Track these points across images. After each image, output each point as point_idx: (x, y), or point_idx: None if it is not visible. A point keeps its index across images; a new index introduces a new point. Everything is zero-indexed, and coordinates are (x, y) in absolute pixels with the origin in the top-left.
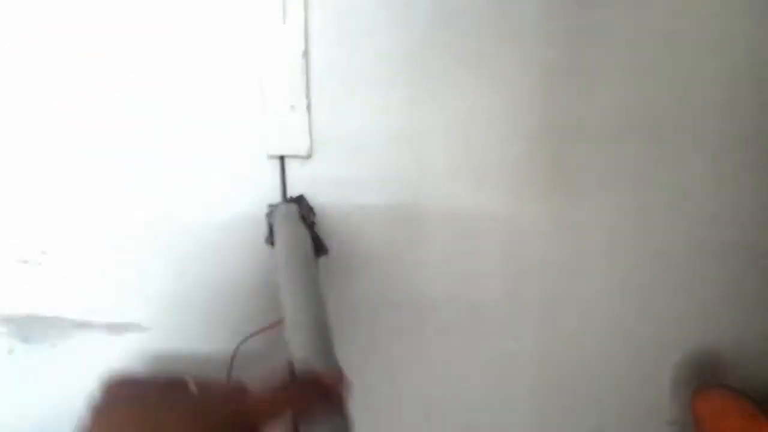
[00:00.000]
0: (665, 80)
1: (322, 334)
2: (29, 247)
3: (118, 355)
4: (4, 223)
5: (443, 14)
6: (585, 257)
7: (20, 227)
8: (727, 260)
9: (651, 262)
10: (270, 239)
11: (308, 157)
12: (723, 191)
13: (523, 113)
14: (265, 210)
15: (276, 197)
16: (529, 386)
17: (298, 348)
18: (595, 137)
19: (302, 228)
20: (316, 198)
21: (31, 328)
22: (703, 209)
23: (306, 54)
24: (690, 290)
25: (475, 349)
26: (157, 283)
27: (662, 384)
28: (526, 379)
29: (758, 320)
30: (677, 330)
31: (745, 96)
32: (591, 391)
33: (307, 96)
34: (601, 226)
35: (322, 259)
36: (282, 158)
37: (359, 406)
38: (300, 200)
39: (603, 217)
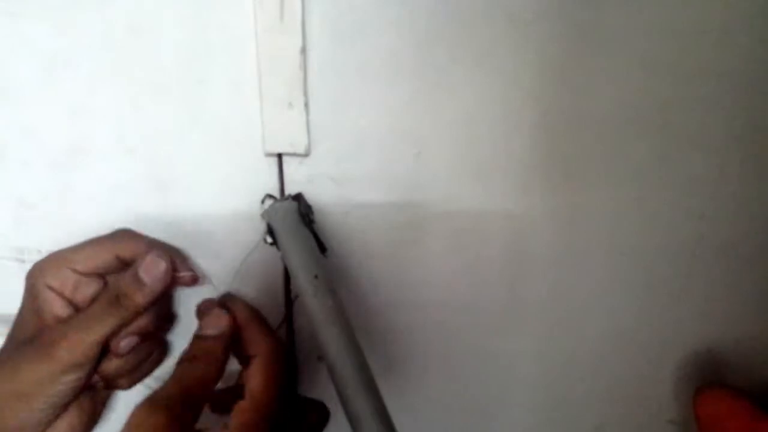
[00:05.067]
0: (668, 76)
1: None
2: (25, 245)
3: None
4: (0, 222)
5: (443, 10)
6: (586, 255)
7: (16, 226)
8: (729, 258)
9: (653, 260)
10: (268, 239)
11: (306, 155)
12: (725, 189)
13: (525, 109)
14: (263, 207)
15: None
16: (529, 386)
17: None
18: (598, 133)
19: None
20: (315, 196)
21: None
22: (705, 207)
23: (304, 51)
24: (692, 288)
25: (475, 348)
26: None
27: (663, 383)
28: (526, 378)
29: (761, 319)
30: (678, 328)
31: (748, 93)
32: (591, 391)
33: (305, 93)
34: (603, 223)
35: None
36: (280, 156)
37: None
38: (299, 198)
39: (605, 215)
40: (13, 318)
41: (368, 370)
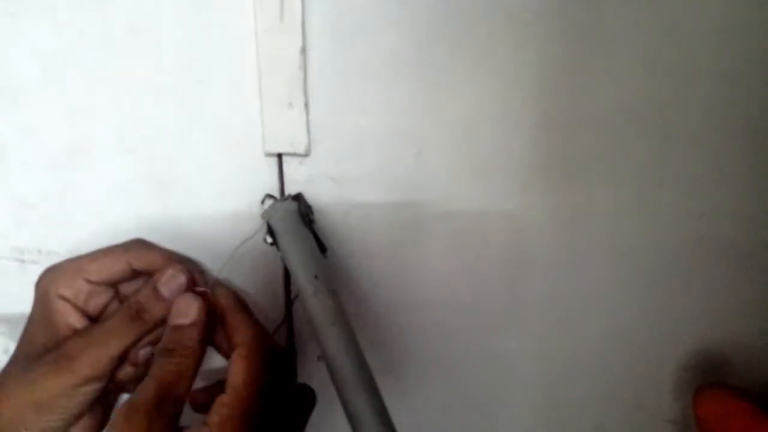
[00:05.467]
0: (668, 75)
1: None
2: (25, 245)
3: None
4: (0, 222)
5: (443, 10)
6: (586, 255)
7: (16, 226)
8: (729, 258)
9: (653, 260)
10: (268, 239)
11: (306, 155)
12: (725, 189)
13: (525, 110)
14: (263, 207)
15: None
16: (529, 386)
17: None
18: (598, 133)
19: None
20: (315, 196)
21: None
22: (706, 206)
23: (304, 51)
24: (692, 288)
25: (475, 348)
26: None
27: (663, 383)
28: (526, 378)
29: (761, 319)
30: (678, 328)
31: (748, 92)
32: (591, 391)
33: (305, 93)
34: (603, 223)
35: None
36: (280, 156)
37: None
38: (299, 198)
39: (605, 215)
40: (12, 318)
41: (368, 370)
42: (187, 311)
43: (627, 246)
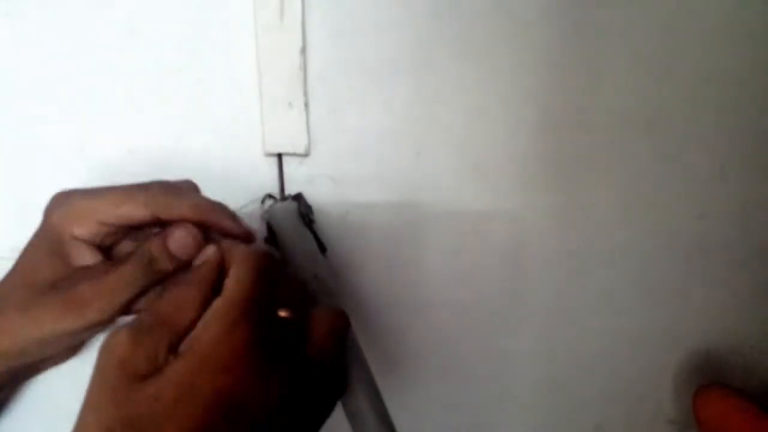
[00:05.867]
0: (669, 76)
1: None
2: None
3: None
4: (0, 222)
5: (444, 10)
6: (586, 255)
7: (16, 226)
8: (729, 258)
9: (653, 259)
10: (269, 240)
11: (306, 155)
12: (725, 189)
13: (526, 110)
14: (263, 207)
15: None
16: (529, 386)
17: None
18: (598, 133)
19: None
20: (315, 196)
21: None
22: (706, 207)
23: (304, 51)
24: (692, 288)
25: (475, 348)
26: None
27: (663, 383)
28: (526, 378)
29: (760, 319)
30: (678, 328)
31: (748, 92)
32: (591, 391)
33: (305, 93)
34: (603, 223)
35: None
36: (280, 156)
37: None
38: (299, 198)
39: (605, 215)
40: None
41: (368, 370)
42: (202, 255)
43: (627, 246)
